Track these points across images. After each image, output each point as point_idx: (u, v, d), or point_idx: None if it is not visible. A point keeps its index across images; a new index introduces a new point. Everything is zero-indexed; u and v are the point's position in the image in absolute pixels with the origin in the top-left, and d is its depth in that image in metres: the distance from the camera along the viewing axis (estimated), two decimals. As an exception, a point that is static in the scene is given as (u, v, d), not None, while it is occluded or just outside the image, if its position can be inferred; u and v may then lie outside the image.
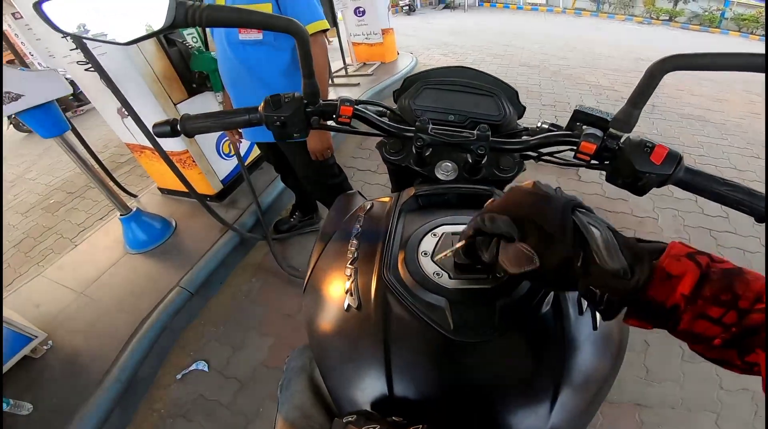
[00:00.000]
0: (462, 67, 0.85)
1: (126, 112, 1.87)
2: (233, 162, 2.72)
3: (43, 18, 0.62)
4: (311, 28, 1.43)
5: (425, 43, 8.39)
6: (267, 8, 1.38)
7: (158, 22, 0.55)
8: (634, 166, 0.50)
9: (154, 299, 1.99)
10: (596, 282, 0.36)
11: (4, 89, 1.72)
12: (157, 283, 2.10)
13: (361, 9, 5.49)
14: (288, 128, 0.65)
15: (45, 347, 1.79)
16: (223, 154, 2.65)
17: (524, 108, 0.84)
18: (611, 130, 0.55)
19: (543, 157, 0.71)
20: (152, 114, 2.14)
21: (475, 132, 0.64)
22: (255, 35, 1.44)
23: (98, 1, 0.61)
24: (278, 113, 0.63)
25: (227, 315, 2.05)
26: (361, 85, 4.62)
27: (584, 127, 0.59)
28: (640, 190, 0.52)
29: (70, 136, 2.03)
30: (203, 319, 2.04)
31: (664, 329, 0.36)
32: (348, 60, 5.31)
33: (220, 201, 2.64)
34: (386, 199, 0.73)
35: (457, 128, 0.68)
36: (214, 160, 2.58)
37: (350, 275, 0.58)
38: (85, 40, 0.61)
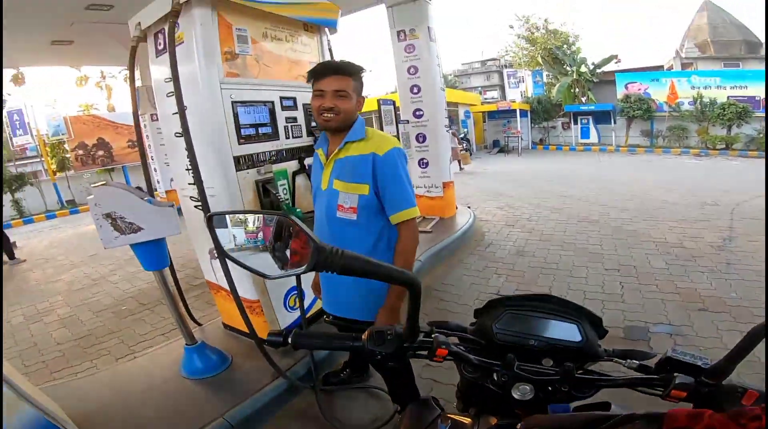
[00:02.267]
0: (546, 295, 0.85)
1: (216, 255, 2.14)
2: (296, 314, 2.88)
3: (210, 229, 0.77)
4: (403, 215, 1.52)
5: (481, 194, 8.83)
6: (364, 189, 1.52)
7: (301, 267, 0.64)
8: (722, 408, 0.49)
9: (195, 425, 2.07)
10: None
11: (129, 218, 2.01)
12: (202, 410, 2.21)
13: (425, 160, 5.84)
14: (384, 360, 0.72)
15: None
16: (289, 306, 2.85)
17: (606, 332, 0.84)
18: (703, 378, 0.56)
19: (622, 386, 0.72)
20: (234, 265, 2.43)
21: (558, 369, 0.68)
22: (350, 215, 1.55)
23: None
24: (380, 348, 0.71)
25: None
26: (420, 244, 4.82)
27: (675, 374, 0.61)
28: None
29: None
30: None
31: None
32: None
33: (277, 348, 2.74)
34: (465, 421, 0.75)
35: (539, 353, 0.72)
36: (279, 310, 2.77)
37: None
38: (233, 261, 0.75)
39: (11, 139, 17.18)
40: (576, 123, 19.15)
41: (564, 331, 0.78)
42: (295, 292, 2.84)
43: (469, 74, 41.25)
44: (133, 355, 3.15)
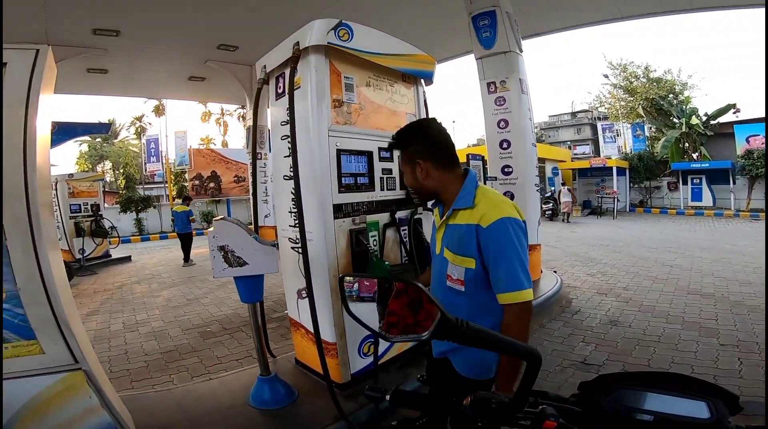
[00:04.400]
0: (671, 373, 0.76)
1: (305, 296, 2.29)
2: (368, 360, 2.88)
3: (341, 288, 0.84)
4: (509, 298, 1.30)
5: (569, 257, 8.25)
6: (471, 263, 1.37)
7: (424, 334, 0.64)
8: None
9: None
10: None
11: (238, 252, 2.21)
12: None
13: None
14: (483, 427, 0.68)
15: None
16: (363, 353, 2.86)
17: (741, 409, 0.72)
18: None
19: None
20: (319, 306, 2.50)
21: None
22: (458, 286, 1.43)
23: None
24: (483, 415, 0.68)
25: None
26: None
27: None
28: None
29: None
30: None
31: None
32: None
33: (344, 390, 2.73)
34: None
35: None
36: (352, 355, 2.78)
37: None
38: (356, 320, 0.84)
39: (145, 164, 20.29)
40: (685, 183, 17.09)
41: (689, 407, 0.70)
42: (371, 339, 2.87)
43: (558, 127, 39.87)
44: (208, 376, 3.36)
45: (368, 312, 0.87)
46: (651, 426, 0.69)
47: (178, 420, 2.51)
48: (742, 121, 17.31)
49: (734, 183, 15.75)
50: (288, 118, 2.45)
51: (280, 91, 2.84)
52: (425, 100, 3.35)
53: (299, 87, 2.55)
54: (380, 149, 2.90)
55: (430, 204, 1.63)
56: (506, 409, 0.69)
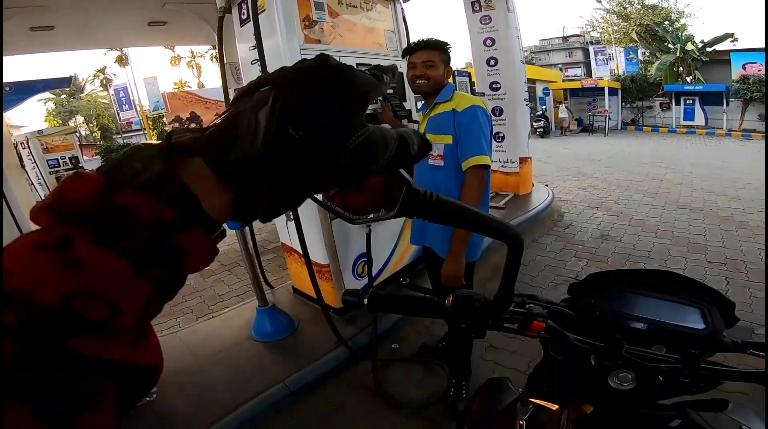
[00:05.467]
0: (665, 271, 0.72)
1: (291, 217, 2.34)
2: (363, 282, 2.92)
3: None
4: (474, 160, 1.68)
5: (561, 172, 8.21)
6: (448, 139, 1.74)
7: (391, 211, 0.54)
8: None
9: (260, 386, 2.24)
10: None
11: None
12: (266, 374, 2.39)
13: (501, 134, 5.52)
14: (468, 330, 0.64)
15: (148, 398, 2.08)
16: (357, 273, 2.90)
17: (738, 320, 0.70)
18: None
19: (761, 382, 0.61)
20: (308, 227, 2.52)
21: (679, 357, 0.59)
22: (438, 161, 1.79)
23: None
24: (465, 316, 0.64)
25: (314, 422, 2.15)
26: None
27: None
28: None
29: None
30: (291, 417, 2.19)
31: None
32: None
33: (342, 315, 2.79)
34: (552, 407, 0.67)
35: (647, 339, 0.63)
36: (347, 278, 2.83)
37: None
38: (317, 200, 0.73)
39: (118, 113, 19.46)
40: (678, 103, 16.89)
41: (683, 315, 0.66)
42: (364, 259, 2.85)
43: (548, 51, 38.21)
44: (210, 314, 3.40)
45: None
46: (643, 334, 0.66)
47: (187, 362, 2.55)
48: (740, 50, 16.92)
49: (728, 104, 15.64)
50: (255, 42, 2.27)
51: (244, 17, 2.61)
52: (404, 17, 3.17)
53: (264, 10, 2.35)
54: (358, 65, 2.68)
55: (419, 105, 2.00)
56: (490, 308, 0.63)
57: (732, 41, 17.86)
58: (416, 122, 2.64)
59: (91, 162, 14.80)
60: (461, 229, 0.56)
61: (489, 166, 1.71)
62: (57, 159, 9.44)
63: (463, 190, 1.73)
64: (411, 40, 3.19)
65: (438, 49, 1.79)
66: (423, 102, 1.99)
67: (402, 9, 3.15)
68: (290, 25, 2.35)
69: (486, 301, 0.64)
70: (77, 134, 16.03)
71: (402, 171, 0.53)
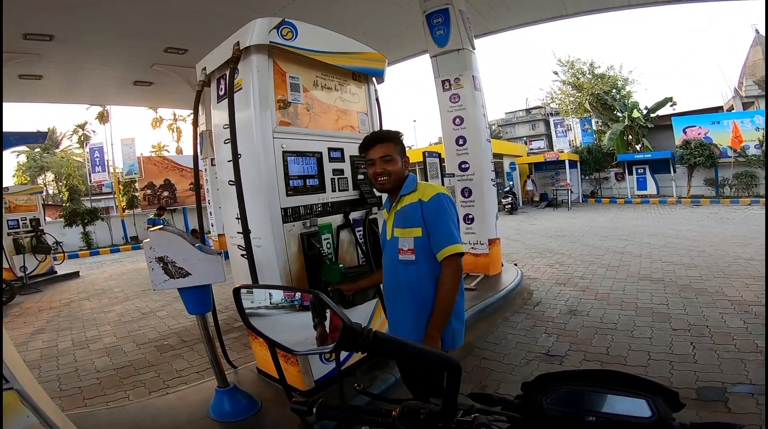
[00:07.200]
0: (610, 371, 0.76)
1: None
2: (330, 366, 2.79)
3: (236, 301, 0.79)
4: (449, 250, 1.67)
5: (529, 250, 8.49)
6: (417, 232, 1.73)
7: (328, 346, 0.64)
8: None
9: None
10: None
11: (179, 263, 2.08)
12: None
13: (470, 216, 5.67)
14: None
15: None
16: (324, 358, 2.76)
17: (683, 406, 0.72)
18: None
19: None
20: None
21: None
22: (409, 256, 1.75)
23: (282, 316, 0.76)
24: (412, 428, 0.66)
25: None
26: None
27: None
28: None
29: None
30: None
31: None
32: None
33: (303, 416, 2.61)
34: None
35: None
36: (314, 361, 2.69)
37: None
38: (261, 336, 0.80)
39: (90, 174, 19.11)
40: (631, 173, 18.06)
41: (630, 406, 0.69)
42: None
43: (514, 124, 41.34)
44: (166, 391, 3.17)
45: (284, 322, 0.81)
46: (594, 427, 0.69)
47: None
48: (679, 114, 18.68)
49: (674, 171, 16.78)
50: (228, 122, 2.34)
51: (221, 93, 2.71)
52: (377, 98, 3.31)
53: (241, 89, 2.45)
54: (330, 150, 2.82)
55: (385, 198, 1.97)
56: (436, 419, 0.66)
57: (671, 105, 19.48)
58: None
59: (53, 224, 14.19)
60: (407, 361, 0.62)
61: (463, 253, 1.72)
62: (17, 220, 9.04)
63: (440, 280, 1.70)
64: (383, 122, 3.36)
65: (393, 140, 1.79)
66: (387, 197, 1.96)
67: (375, 90, 3.28)
68: (265, 107, 2.42)
69: (432, 413, 0.67)
70: (42, 194, 15.54)
71: (339, 310, 0.59)
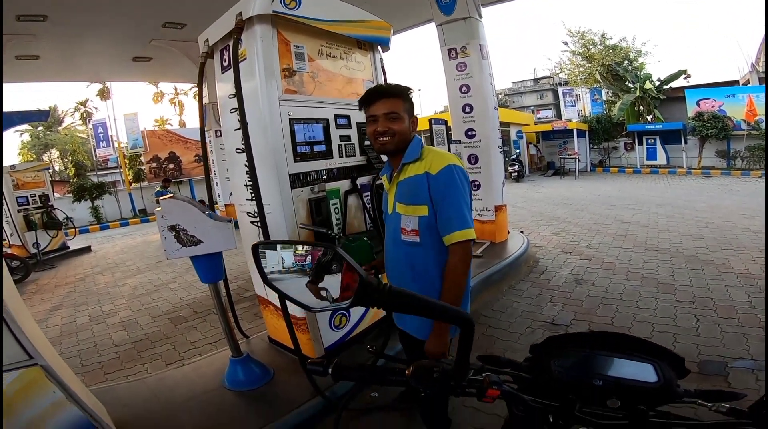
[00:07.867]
0: (619, 334, 0.78)
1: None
2: (340, 333, 2.87)
3: (255, 258, 0.81)
4: (458, 235, 1.44)
5: (535, 217, 8.47)
6: (423, 210, 1.50)
7: (345, 301, 0.65)
8: None
9: None
10: None
11: (191, 231, 2.10)
12: (239, 422, 2.29)
13: (476, 182, 5.65)
14: (429, 397, 0.71)
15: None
16: (334, 325, 2.85)
17: (688, 372, 0.74)
18: None
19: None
20: None
21: (627, 413, 0.63)
22: (413, 237, 1.54)
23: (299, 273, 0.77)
24: (425, 386, 0.69)
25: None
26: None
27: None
28: None
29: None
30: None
31: None
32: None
33: (318, 376, 2.69)
34: None
35: (604, 393, 0.67)
36: (324, 329, 2.77)
37: None
38: (277, 291, 0.81)
39: (95, 150, 19.15)
40: (641, 143, 17.74)
41: (637, 370, 0.71)
42: (342, 312, 2.84)
43: (521, 93, 40.42)
44: (181, 362, 3.27)
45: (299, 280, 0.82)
46: (600, 390, 0.70)
47: (153, 409, 2.44)
48: (693, 86, 18.04)
49: (686, 143, 16.49)
50: (234, 90, 2.31)
51: (225, 64, 2.67)
52: (383, 66, 3.27)
53: (245, 59, 2.42)
54: (336, 116, 2.81)
55: (386, 162, 1.73)
56: (449, 378, 0.68)
57: (685, 78, 18.95)
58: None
59: (62, 200, 14.33)
60: (425, 316, 0.63)
61: (474, 239, 1.48)
62: (27, 197, 9.13)
63: (447, 269, 1.48)
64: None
65: (400, 96, 1.53)
66: (387, 160, 1.70)
67: (381, 58, 3.23)
68: (270, 76, 2.40)
69: (444, 371, 0.69)
70: (49, 170, 15.62)
71: (355, 264, 0.59)
